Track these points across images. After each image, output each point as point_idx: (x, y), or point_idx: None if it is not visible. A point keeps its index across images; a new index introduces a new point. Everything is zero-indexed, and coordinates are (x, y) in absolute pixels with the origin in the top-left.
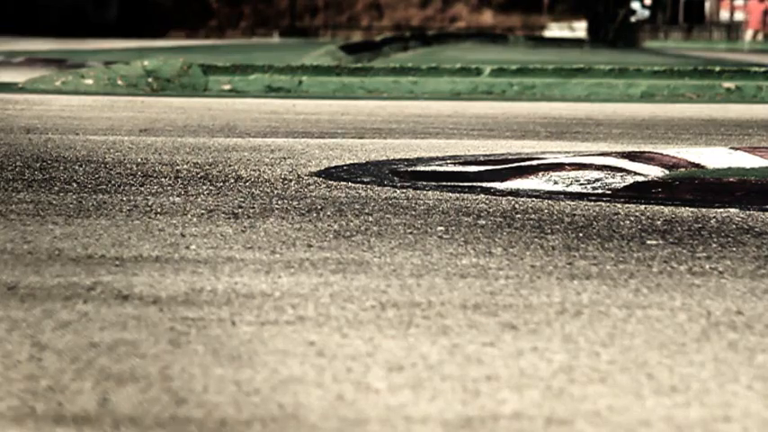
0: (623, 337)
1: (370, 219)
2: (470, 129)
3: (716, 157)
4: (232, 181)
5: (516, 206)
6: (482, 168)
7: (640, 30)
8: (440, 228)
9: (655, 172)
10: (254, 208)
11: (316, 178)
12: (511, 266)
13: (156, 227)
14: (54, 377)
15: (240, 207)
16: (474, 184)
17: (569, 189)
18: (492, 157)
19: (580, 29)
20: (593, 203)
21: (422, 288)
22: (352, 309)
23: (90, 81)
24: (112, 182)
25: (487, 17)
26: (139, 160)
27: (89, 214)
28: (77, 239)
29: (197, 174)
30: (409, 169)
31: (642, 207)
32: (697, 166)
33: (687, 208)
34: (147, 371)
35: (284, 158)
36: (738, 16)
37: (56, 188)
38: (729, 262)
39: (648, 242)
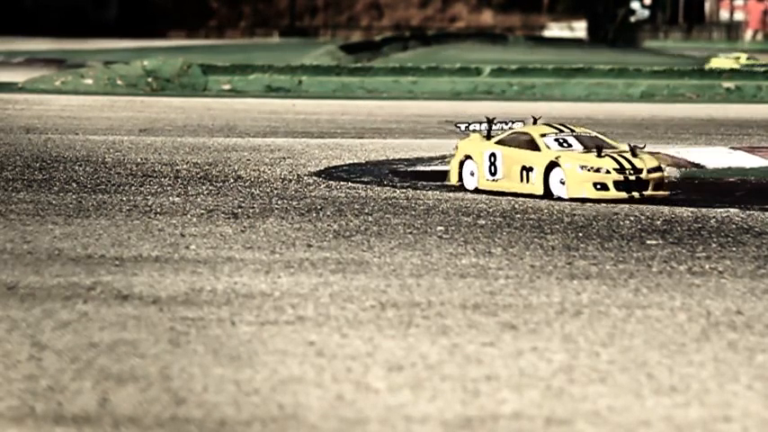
0: (623, 337)
1: (370, 219)
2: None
3: (716, 157)
4: (232, 181)
5: (516, 206)
6: None
7: (640, 30)
8: (440, 228)
9: None
10: (254, 208)
11: (316, 178)
12: (511, 266)
13: (156, 227)
14: (54, 377)
15: (240, 207)
16: None
17: None
18: None
19: (580, 29)
20: (593, 203)
21: (422, 288)
22: (352, 309)
23: (90, 81)
24: (112, 182)
25: (487, 17)
26: (139, 160)
27: (89, 214)
28: (77, 239)
29: (197, 174)
30: (409, 169)
31: (642, 207)
32: (697, 166)
33: (687, 208)
34: (147, 371)
35: (284, 158)
36: (738, 16)
37: (56, 188)
38: (729, 262)
39: (648, 242)
